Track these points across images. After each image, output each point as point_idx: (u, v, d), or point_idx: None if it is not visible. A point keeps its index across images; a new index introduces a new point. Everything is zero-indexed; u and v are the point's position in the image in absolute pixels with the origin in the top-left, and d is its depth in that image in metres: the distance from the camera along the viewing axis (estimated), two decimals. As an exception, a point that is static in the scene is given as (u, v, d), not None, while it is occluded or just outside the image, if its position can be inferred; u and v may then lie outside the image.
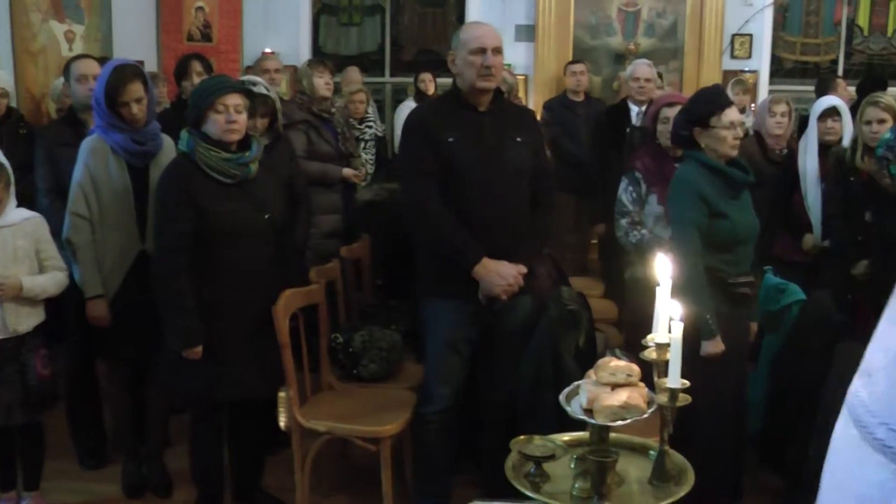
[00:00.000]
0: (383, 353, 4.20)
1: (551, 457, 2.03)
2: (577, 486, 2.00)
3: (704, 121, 3.66)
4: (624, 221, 4.44)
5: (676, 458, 2.10)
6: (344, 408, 3.86)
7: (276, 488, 4.03)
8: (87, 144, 3.88)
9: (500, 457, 2.29)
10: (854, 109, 4.99)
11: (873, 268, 4.41)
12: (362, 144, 6.97)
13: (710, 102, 3.68)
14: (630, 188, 4.45)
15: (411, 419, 3.76)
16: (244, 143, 3.62)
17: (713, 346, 3.58)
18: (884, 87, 6.23)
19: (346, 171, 5.39)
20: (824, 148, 4.89)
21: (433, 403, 3.69)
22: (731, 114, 3.63)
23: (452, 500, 3.84)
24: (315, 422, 3.69)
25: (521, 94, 8.40)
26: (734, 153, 3.67)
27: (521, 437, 2.10)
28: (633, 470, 2.11)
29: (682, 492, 1.99)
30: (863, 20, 9.25)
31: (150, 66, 8.29)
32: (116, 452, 4.35)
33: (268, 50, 8.34)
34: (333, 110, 5.64)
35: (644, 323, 2.26)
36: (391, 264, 5.16)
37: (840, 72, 9.06)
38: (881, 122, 4.48)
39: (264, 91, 4.26)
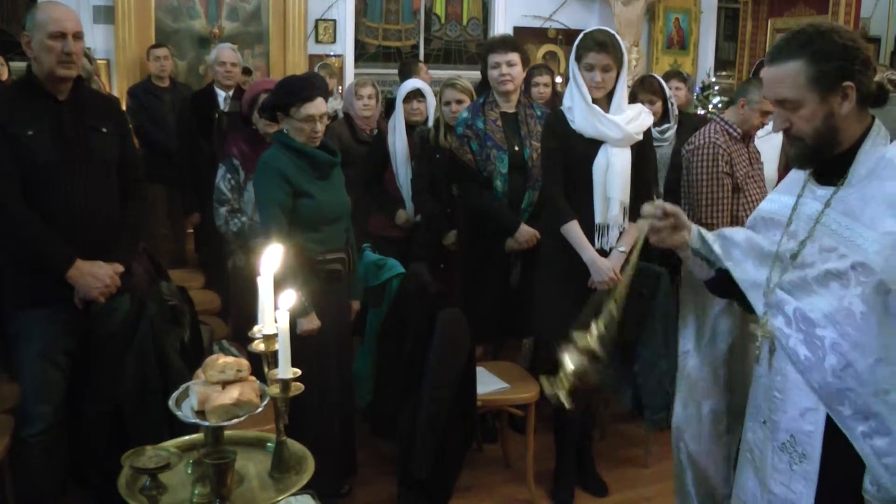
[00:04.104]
0: (-31, 377, 3.78)
1: (166, 466, 1.92)
2: (196, 492, 1.91)
3: (285, 109, 3.70)
4: (223, 210, 4.36)
5: (295, 446, 2.08)
6: (-69, 445, 3.40)
7: None
8: None
9: (112, 471, 2.14)
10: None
11: (461, 237, 4.72)
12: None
13: (291, 93, 3.71)
14: (228, 175, 4.38)
15: (10, 445, 3.42)
16: None
17: (308, 323, 3.67)
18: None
19: None
20: (411, 127, 5.13)
21: (34, 424, 3.39)
22: (311, 108, 3.67)
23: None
24: None
25: (103, 79, 7.95)
26: (313, 144, 3.73)
27: (131, 450, 1.96)
28: (253, 465, 2.05)
29: (304, 480, 1.97)
30: (439, 9, 9.86)
31: None
32: None
33: None
34: None
35: (250, 312, 2.22)
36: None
37: (421, 56, 9.59)
38: (459, 102, 4.79)
39: None
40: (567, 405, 2.28)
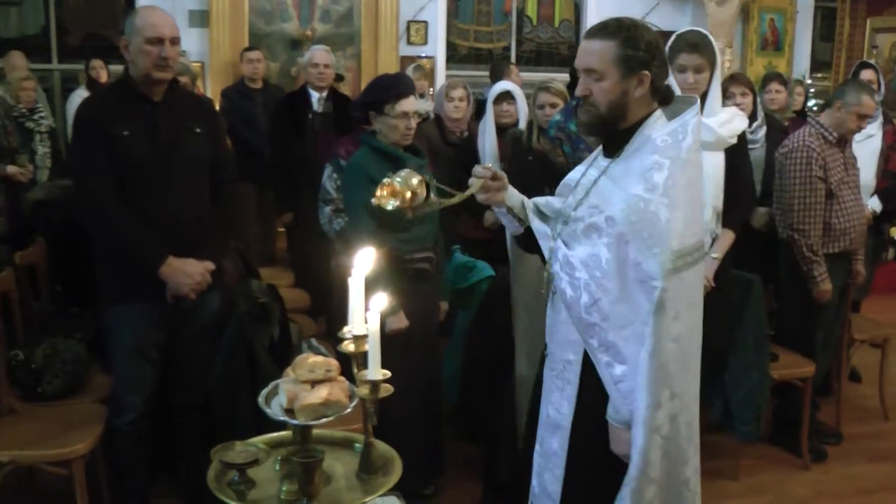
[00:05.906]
0: (67, 367, 3.86)
1: (255, 462, 1.95)
2: (283, 489, 1.93)
3: (379, 106, 3.70)
4: (328, 209, 4.41)
5: (382, 448, 2.08)
6: (29, 432, 3.50)
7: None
8: None
9: (200, 464, 2.18)
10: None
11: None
12: (37, 137, 6.42)
13: (386, 90, 3.73)
14: (335, 175, 4.42)
15: (103, 434, 3.51)
16: None
17: (396, 322, 3.67)
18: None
19: (11, 169, 4.98)
20: (501, 129, 5.11)
21: (125, 413, 3.49)
22: (406, 104, 3.68)
23: (152, 513, 3.65)
24: (-5, 453, 3.31)
25: (197, 81, 8.13)
26: (406, 142, 3.74)
27: (221, 444, 1.99)
28: (340, 465, 2.06)
29: (391, 482, 1.97)
30: (531, 11, 9.82)
31: None
32: None
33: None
34: (-11, 101, 5.18)
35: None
36: (69, 269, 4.78)
37: (513, 58, 9.56)
38: (553, 105, 4.76)
39: None
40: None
